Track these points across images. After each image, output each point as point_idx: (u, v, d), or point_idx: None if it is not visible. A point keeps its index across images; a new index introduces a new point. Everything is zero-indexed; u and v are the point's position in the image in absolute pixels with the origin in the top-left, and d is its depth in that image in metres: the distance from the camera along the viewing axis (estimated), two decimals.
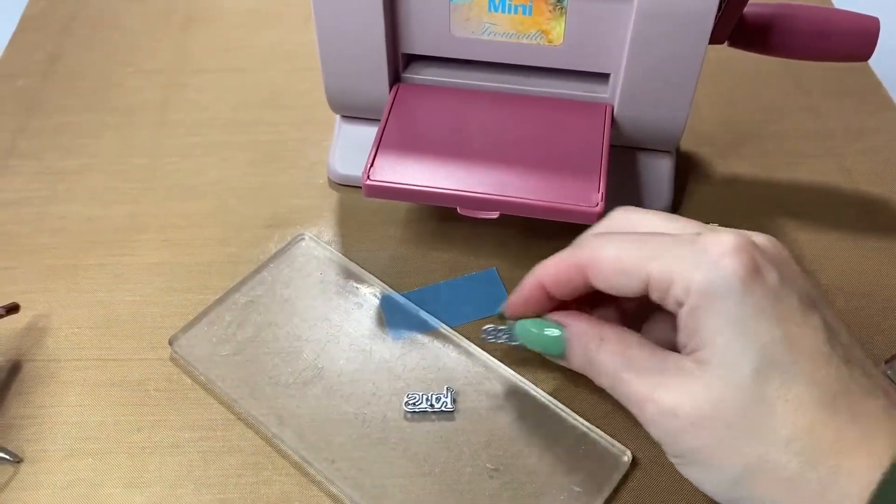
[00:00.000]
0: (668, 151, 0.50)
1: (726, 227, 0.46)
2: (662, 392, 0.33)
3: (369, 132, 0.50)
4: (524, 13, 0.45)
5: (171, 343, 0.44)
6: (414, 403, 0.42)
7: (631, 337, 0.35)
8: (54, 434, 0.41)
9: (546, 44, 0.46)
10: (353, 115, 0.52)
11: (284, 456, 0.40)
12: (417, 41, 0.47)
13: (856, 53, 0.47)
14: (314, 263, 0.48)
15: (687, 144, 0.56)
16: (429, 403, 0.42)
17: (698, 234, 0.33)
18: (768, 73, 0.62)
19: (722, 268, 0.31)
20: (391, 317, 0.46)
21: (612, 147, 0.46)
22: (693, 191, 0.54)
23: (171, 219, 0.52)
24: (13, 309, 0.45)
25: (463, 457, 0.40)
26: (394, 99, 0.48)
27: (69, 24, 0.67)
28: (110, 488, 0.39)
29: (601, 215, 0.42)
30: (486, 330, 0.42)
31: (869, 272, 0.49)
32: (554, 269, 0.36)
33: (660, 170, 0.50)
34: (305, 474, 0.40)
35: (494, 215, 0.43)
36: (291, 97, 0.60)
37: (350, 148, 0.53)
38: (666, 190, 0.51)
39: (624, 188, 0.50)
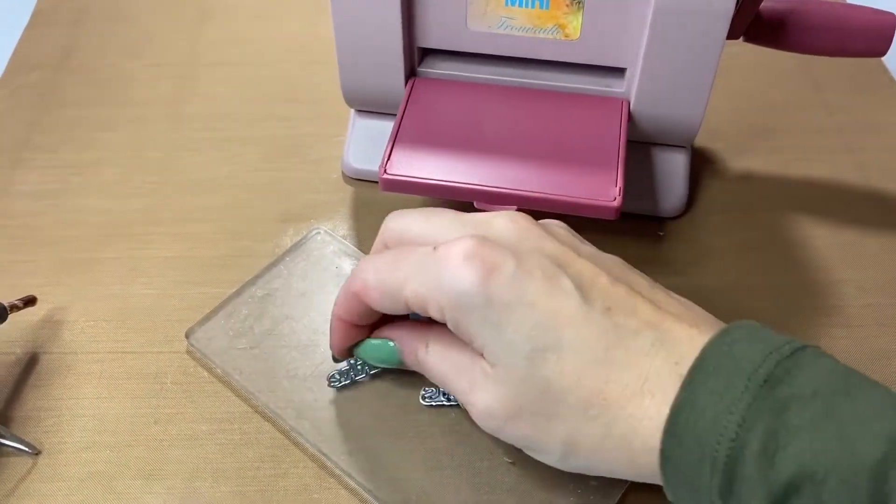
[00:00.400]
0: (683, 147, 0.50)
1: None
2: (476, 394, 0.34)
3: (384, 126, 0.50)
4: (541, 7, 0.45)
5: (187, 336, 0.44)
6: (430, 397, 0.42)
7: (452, 338, 0.36)
8: (72, 426, 0.41)
9: (563, 38, 0.46)
10: (368, 109, 0.52)
11: (302, 448, 0.40)
12: (433, 35, 0.47)
13: (872, 49, 0.47)
14: (330, 257, 0.48)
15: (701, 140, 0.56)
16: (445, 397, 0.42)
17: (435, 247, 0.34)
18: (782, 69, 0.62)
19: (459, 281, 0.32)
20: None
21: (627, 142, 0.46)
22: (707, 186, 0.54)
23: (185, 212, 0.52)
24: (30, 302, 0.45)
25: (480, 450, 0.40)
26: (410, 93, 0.48)
27: (81, 16, 0.67)
28: (128, 480, 0.40)
29: (619, 209, 0.42)
30: (331, 378, 0.42)
31: (885, 267, 0.49)
32: (342, 302, 0.38)
33: (675, 165, 0.50)
34: (323, 467, 0.40)
35: (511, 210, 0.43)
36: (305, 91, 0.60)
37: (364, 142, 0.53)
38: (681, 185, 0.50)
39: (639, 183, 0.50)
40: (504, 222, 0.35)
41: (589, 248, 0.36)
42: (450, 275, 0.33)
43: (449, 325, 0.34)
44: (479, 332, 0.33)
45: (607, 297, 0.33)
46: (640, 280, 0.35)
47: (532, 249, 0.34)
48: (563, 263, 0.34)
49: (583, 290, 0.33)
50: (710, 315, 0.34)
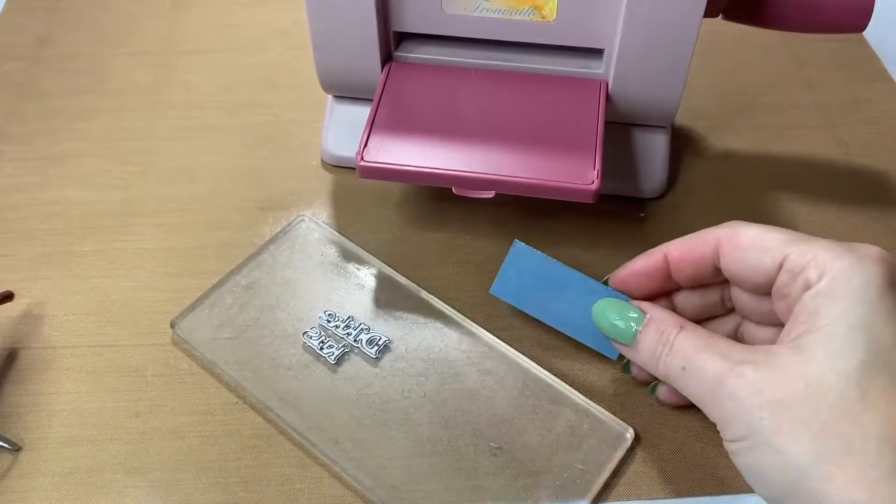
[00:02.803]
0: (663, 127, 0.50)
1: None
2: (748, 368, 0.32)
3: (362, 112, 0.50)
4: None
5: (172, 326, 0.44)
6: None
7: (711, 331, 0.35)
8: (52, 421, 0.41)
9: (539, 20, 0.45)
10: (345, 94, 0.52)
11: (287, 437, 0.40)
12: (409, 19, 0.47)
13: (851, 24, 0.47)
14: (314, 245, 0.48)
15: (681, 119, 0.56)
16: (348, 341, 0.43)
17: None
18: (762, 46, 0.62)
19: (865, 267, 0.32)
20: (509, 273, 0.42)
21: (606, 123, 0.46)
22: (688, 166, 0.53)
23: (165, 203, 0.51)
24: (7, 297, 0.44)
25: (465, 436, 0.40)
26: (386, 78, 0.47)
27: (56, 5, 0.66)
28: (110, 474, 0.39)
29: (597, 193, 0.41)
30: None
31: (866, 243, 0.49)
32: (686, 243, 0.38)
33: (655, 146, 0.50)
34: (309, 455, 0.40)
35: (490, 195, 0.43)
36: (283, 77, 0.60)
37: (343, 128, 0.52)
38: (661, 166, 0.50)
39: (619, 165, 0.50)
40: None
41: None
42: (859, 258, 0.32)
43: (807, 294, 0.33)
44: (839, 313, 0.31)
45: None
46: None
47: None
48: None
49: None
50: None
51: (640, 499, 0.39)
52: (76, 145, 0.55)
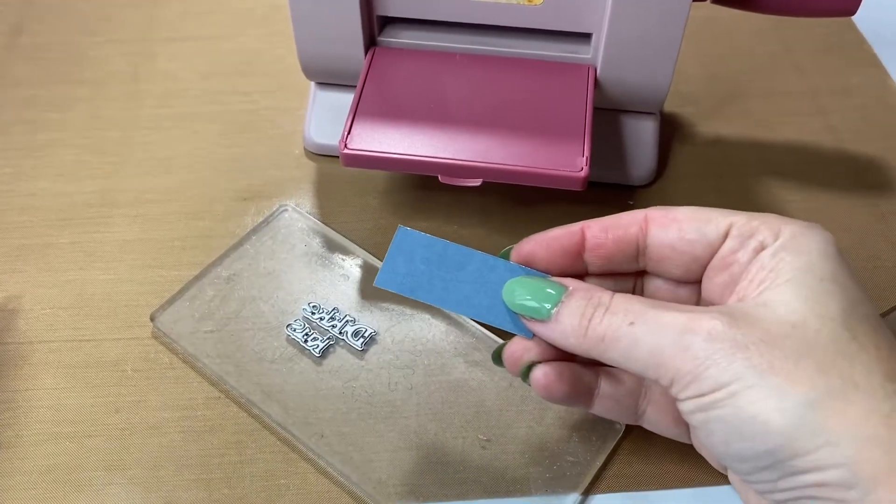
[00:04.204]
0: (652, 113, 0.49)
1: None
2: (718, 315, 0.29)
3: (345, 99, 0.49)
4: None
5: (152, 319, 0.43)
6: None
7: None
8: (30, 418, 0.40)
9: (526, 3, 0.44)
10: (327, 81, 0.51)
11: (271, 431, 0.40)
12: (393, 3, 0.46)
13: (841, 8, 0.46)
14: (298, 235, 0.47)
15: (670, 105, 0.55)
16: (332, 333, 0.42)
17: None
18: (752, 31, 0.61)
19: (818, 230, 0.31)
20: (395, 261, 0.36)
21: (595, 109, 0.45)
22: (678, 152, 0.53)
23: (144, 193, 0.50)
24: None
25: (453, 428, 0.39)
26: (370, 64, 0.46)
27: None
28: (90, 472, 0.38)
29: (586, 180, 0.41)
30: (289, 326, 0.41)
31: (856, 229, 0.49)
32: (610, 220, 0.35)
33: (644, 132, 0.49)
34: (294, 450, 0.39)
35: (477, 183, 0.42)
36: (264, 64, 0.59)
37: (326, 116, 0.51)
38: (650, 153, 0.50)
39: (608, 152, 0.49)
40: None
41: None
42: (808, 224, 0.32)
43: (763, 254, 0.31)
44: (806, 265, 0.30)
45: None
46: None
47: None
48: None
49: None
50: None
51: (629, 490, 0.38)
52: (52, 135, 0.54)
